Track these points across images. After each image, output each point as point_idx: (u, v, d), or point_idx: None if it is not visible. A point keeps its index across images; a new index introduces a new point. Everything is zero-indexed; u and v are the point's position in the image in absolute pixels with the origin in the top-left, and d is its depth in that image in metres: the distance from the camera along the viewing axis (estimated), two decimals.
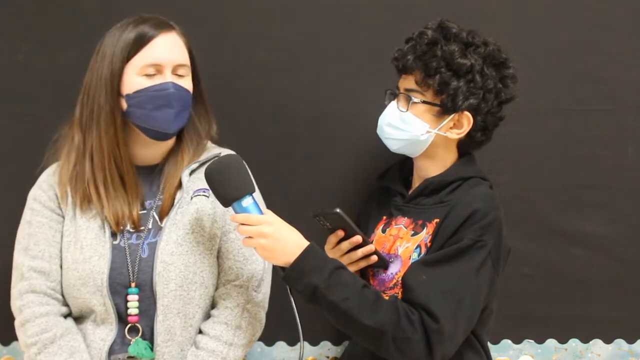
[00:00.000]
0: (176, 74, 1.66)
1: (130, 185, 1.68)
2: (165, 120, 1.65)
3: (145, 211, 1.70)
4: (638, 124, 2.06)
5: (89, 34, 1.98)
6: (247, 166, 1.63)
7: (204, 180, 1.65)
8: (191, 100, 1.70)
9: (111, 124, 1.64)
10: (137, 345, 1.63)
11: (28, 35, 2.01)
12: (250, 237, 1.57)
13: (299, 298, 1.58)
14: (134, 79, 1.63)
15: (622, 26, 2.04)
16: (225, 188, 1.57)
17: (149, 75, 1.64)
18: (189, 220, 1.67)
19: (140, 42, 1.63)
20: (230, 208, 1.60)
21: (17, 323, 1.66)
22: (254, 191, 1.58)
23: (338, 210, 1.62)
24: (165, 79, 1.64)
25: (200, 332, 1.68)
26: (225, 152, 1.76)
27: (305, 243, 1.58)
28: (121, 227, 1.66)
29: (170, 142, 1.72)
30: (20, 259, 1.68)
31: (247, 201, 1.57)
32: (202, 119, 1.76)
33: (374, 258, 1.69)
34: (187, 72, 1.69)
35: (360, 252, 1.69)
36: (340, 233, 1.68)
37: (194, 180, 1.71)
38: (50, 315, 1.64)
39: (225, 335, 1.66)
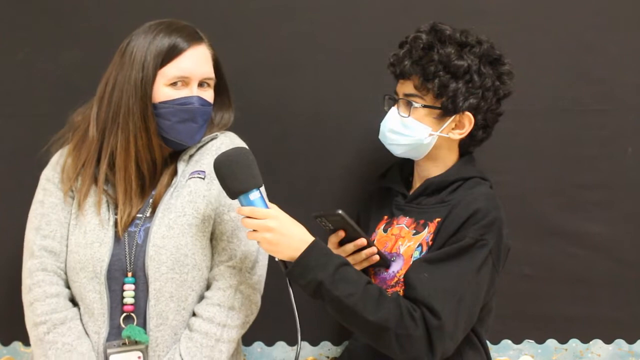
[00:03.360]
0: (201, 87, 1.69)
1: (152, 185, 1.70)
2: (188, 134, 1.68)
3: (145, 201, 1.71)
4: (638, 124, 2.06)
5: (88, 34, 2.00)
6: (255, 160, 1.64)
7: (200, 162, 1.69)
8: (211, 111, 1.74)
9: (143, 129, 1.65)
10: (130, 329, 1.62)
11: (28, 35, 2.02)
12: (255, 230, 1.57)
13: (301, 295, 1.59)
14: (161, 89, 1.65)
15: (622, 26, 2.04)
16: (233, 180, 1.57)
17: (175, 87, 1.66)
18: (181, 203, 1.67)
19: (172, 52, 1.65)
20: (223, 191, 1.62)
21: (25, 302, 1.66)
22: (261, 185, 1.59)
23: (340, 211, 1.63)
24: (192, 93, 1.67)
25: (194, 314, 1.68)
26: (224, 135, 1.78)
27: (310, 238, 1.58)
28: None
29: None
30: (31, 237, 1.68)
31: (254, 195, 1.57)
32: (218, 114, 1.78)
33: (376, 258, 1.70)
34: (211, 84, 1.72)
35: (364, 253, 1.70)
36: (341, 233, 1.69)
37: (191, 163, 1.72)
38: (60, 297, 1.65)
39: (218, 317, 1.65)
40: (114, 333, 1.64)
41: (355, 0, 2.04)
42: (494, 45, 1.72)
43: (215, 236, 1.70)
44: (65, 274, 1.68)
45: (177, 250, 1.64)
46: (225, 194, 1.64)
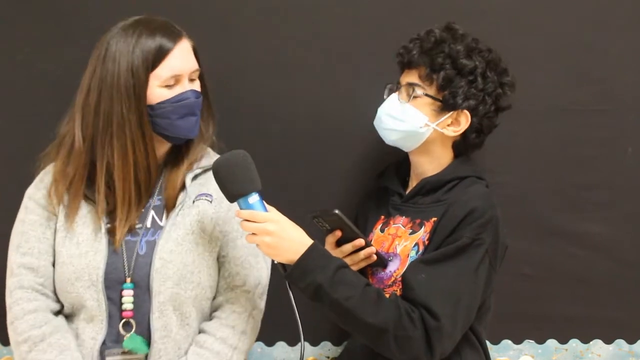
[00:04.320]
0: (190, 80, 1.69)
1: (147, 194, 1.69)
2: (189, 128, 1.68)
3: (143, 210, 1.70)
4: (638, 124, 2.06)
5: (89, 34, 1.98)
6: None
7: (206, 186, 1.70)
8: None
9: (140, 136, 1.63)
10: (132, 339, 1.63)
11: (28, 35, 2.02)
12: (254, 234, 1.57)
13: (301, 296, 1.59)
14: (155, 91, 1.64)
15: (622, 26, 2.04)
16: (233, 183, 1.57)
17: (169, 86, 1.65)
18: (190, 221, 1.67)
19: (160, 54, 1.63)
20: (234, 214, 1.62)
21: (7, 321, 1.66)
22: (260, 188, 1.58)
23: (337, 211, 1.63)
24: (185, 88, 1.67)
25: (203, 331, 1.68)
26: None
27: (309, 241, 1.59)
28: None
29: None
30: (11, 256, 1.68)
31: (253, 198, 1.57)
32: (204, 117, 1.76)
33: (374, 258, 1.71)
34: (197, 75, 1.72)
35: (362, 254, 1.70)
36: (338, 233, 1.70)
37: (195, 186, 1.72)
38: (39, 312, 1.64)
39: (231, 339, 1.66)
40: (112, 340, 1.64)
41: (355, 0, 2.03)
42: (502, 59, 1.75)
43: (228, 259, 1.71)
44: (52, 289, 1.67)
45: (184, 267, 1.64)
46: (237, 220, 1.64)
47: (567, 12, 2.03)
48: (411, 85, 1.73)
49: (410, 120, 1.72)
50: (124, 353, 1.64)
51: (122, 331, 1.64)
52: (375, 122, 1.79)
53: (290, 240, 1.57)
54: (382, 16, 2.02)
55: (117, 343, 1.64)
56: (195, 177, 1.72)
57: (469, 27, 1.76)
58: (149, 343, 1.64)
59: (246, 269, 1.70)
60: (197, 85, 1.71)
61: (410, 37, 1.76)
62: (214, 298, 1.72)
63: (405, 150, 1.79)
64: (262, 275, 1.72)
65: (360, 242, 1.69)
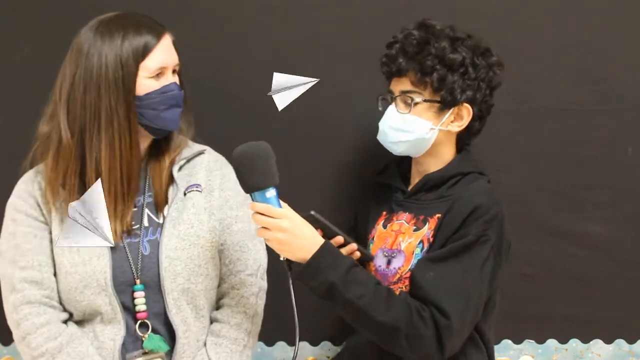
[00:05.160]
0: (172, 72, 1.70)
1: (135, 189, 1.68)
2: (173, 120, 1.69)
3: (135, 208, 1.70)
4: (638, 124, 2.06)
5: None
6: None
7: (194, 176, 1.71)
8: None
9: (126, 127, 1.63)
10: (151, 339, 1.64)
11: (28, 35, 2.02)
12: (266, 228, 1.56)
13: (301, 295, 1.59)
14: (143, 82, 1.64)
15: (622, 26, 2.04)
16: (252, 175, 1.54)
17: (156, 77, 1.66)
18: (187, 215, 1.68)
19: (148, 46, 1.64)
20: (227, 202, 1.66)
21: (16, 337, 1.65)
22: (278, 184, 1.56)
23: (312, 212, 1.63)
24: (169, 80, 1.68)
25: (217, 321, 1.70)
26: (209, 152, 1.79)
27: (321, 240, 1.58)
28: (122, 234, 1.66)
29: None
30: (8, 271, 1.65)
31: (270, 192, 1.55)
32: (183, 111, 1.76)
33: (357, 254, 1.71)
34: (178, 69, 1.72)
35: (344, 251, 1.69)
36: (320, 233, 1.67)
37: (183, 177, 1.73)
38: (51, 324, 1.63)
39: (245, 323, 1.69)
40: (130, 341, 1.65)
41: (355, 0, 2.03)
42: (480, 38, 1.73)
43: (227, 246, 1.72)
44: (58, 299, 1.66)
45: (191, 261, 1.66)
46: (228, 205, 1.67)
47: (567, 12, 2.03)
48: (406, 93, 1.71)
49: (415, 129, 1.71)
50: (144, 354, 1.65)
51: (139, 332, 1.65)
52: (380, 137, 1.77)
53: (303, 238, 1.56)
54: (382, 16, 2.02)
55: (135, 344, 1.65)
56: (180, 169, 1.73)
57: (468, 27, 1.75)
58: (165, 340, 1.65)
59: (245, 252, 1.72)
60: (177, 79, 1.71)
61: (388, 42, 1.75)
62: (218, 286, 1.74)
63: (414, 156, 1.78)
64: (261, 256, 1.74)
65: (339, 239, 1.67)
